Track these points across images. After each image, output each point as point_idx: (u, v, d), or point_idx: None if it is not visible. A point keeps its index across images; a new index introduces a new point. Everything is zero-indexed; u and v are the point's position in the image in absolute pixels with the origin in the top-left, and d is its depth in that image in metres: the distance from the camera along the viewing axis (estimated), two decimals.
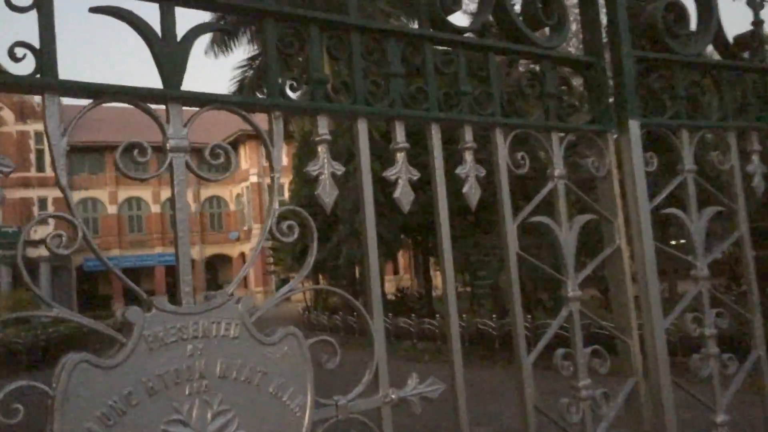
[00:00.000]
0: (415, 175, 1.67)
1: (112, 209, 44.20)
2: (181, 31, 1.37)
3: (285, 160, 46.68)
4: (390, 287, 31.84)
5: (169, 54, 1.34)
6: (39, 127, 40.72)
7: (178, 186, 1.35)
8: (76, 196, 42.77)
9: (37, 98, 1.12)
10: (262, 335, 1.44)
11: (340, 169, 1.54)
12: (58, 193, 41.45)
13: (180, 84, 1.35)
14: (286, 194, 44.27)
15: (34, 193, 41.16)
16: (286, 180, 45.39)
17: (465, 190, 1.76)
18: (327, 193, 1.53)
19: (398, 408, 1.61)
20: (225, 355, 1.38)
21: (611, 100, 2.06)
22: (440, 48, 1.77)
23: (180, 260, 1.39)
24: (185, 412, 1.32)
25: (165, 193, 45.22)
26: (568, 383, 1.88)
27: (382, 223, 16.92)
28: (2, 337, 20.10)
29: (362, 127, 1.60)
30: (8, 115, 41.67)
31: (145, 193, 44.99)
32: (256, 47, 25.22)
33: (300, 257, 23.64)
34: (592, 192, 2.09)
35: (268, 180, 44.67)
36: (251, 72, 25.81)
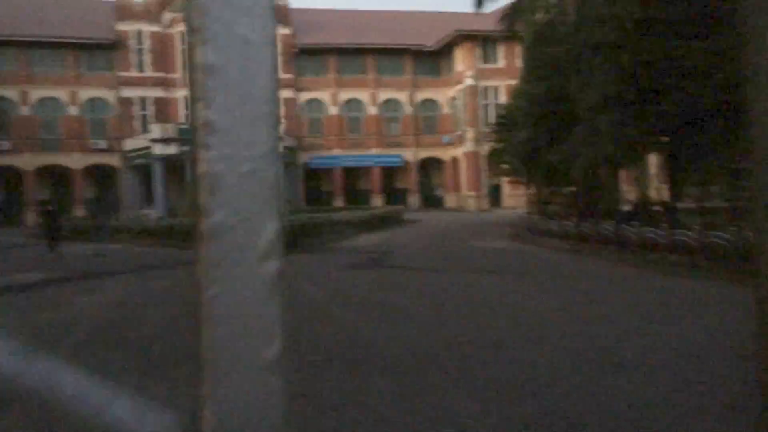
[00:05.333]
0: None
1: (333, 110, 45.89)
2: None
3: (502, 62, 44.44)
4: (631, 195, 29.17)
5: None
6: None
7: None
8: (302, 97, 44.98)
9: None
10: None
11: None
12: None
13: None
14: (502, 97, 42.15)
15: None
16: (501, 83, 43.06)
17: None
18: None
19: None
20: None
21: None
22: None
23: None
24: None
25: (381, 95, 45.82)
26: None
27: (630, 122, 14.96)
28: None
29: None
30: None
31: (363, 94, 45.92)
32: None
33: (529, 160, 22.00)
34: None
35: (484, 83, 43.26)
36: None
